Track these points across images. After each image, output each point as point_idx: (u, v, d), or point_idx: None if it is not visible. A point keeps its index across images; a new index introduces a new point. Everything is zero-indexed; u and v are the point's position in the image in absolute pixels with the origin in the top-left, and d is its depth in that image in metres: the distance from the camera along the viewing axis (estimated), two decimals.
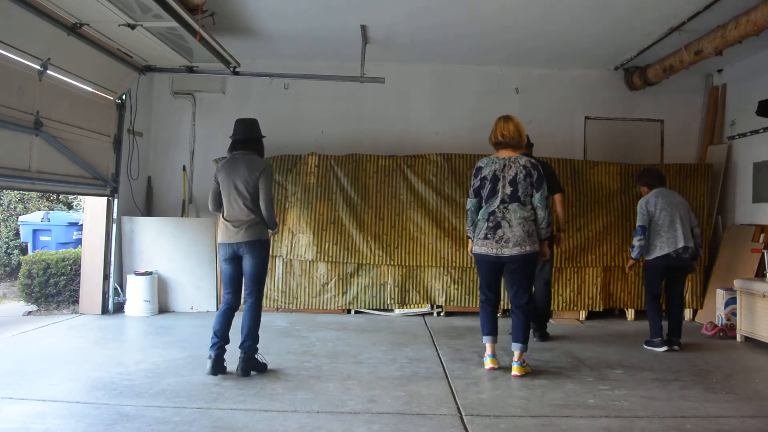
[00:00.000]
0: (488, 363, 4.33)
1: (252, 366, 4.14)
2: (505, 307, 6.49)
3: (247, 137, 4.32)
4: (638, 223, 5.11)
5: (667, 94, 7.26)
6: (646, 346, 5.13)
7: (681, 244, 4.97)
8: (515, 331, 4.26)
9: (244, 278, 4.24)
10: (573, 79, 7.35)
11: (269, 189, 4.26)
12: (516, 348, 4.23)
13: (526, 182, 4.18)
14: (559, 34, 6.06)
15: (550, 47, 6.53)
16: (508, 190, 4.18)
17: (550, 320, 6.45)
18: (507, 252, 4.16)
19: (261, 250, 4.20)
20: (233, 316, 4.23)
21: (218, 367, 4.07)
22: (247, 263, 4.19)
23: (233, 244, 4.16)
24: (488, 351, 4.36)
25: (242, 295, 4.27)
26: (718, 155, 6.94)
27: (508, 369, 4.31)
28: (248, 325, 4.16)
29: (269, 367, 4.29)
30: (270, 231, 4.35)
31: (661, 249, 5.02)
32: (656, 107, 7.33)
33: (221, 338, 4.12)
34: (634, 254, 5.11)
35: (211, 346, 4.09)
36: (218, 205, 4.32)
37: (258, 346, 4.20)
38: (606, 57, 6.86)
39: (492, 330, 4.34)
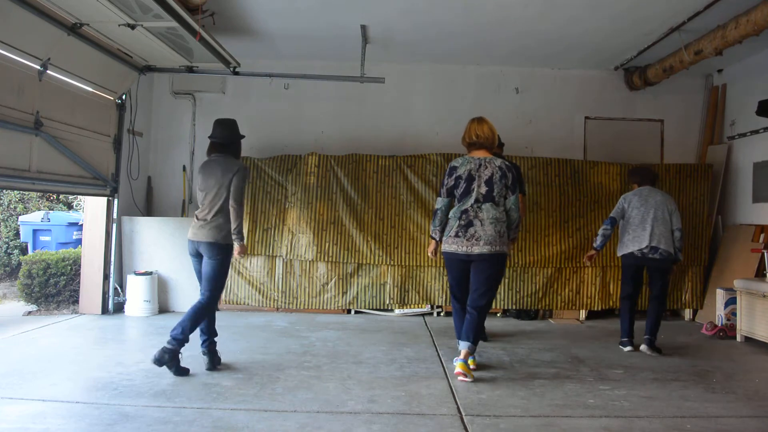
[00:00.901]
0: (458, 366, 4.13)
1: (170, 358, 3.97)
2: (506, 308, 6.53)
3: (224, 141, 4.36)
4: (610, 214, 5.19)
5: (667, 94, 7.26)
6: (621, 347, 5.11)
7: (645, 243, 4.92)
8: (467, 329, 4.15)
9: (202, 278, 4.26)
10: (573, 79, 7.35)
11: (241, 191, 4.25)
12: (464, 346, 4.13)
13: (501, 183, 4.20)
14: (559, 33, 6.06)
15: (550, 47, 6.53)
16: (483, 189, 4.18)
17: (550, 320, 6.48)
18: (477, 250, 4.15)
19: (218, 252, 4.17)
20: (200, 312, 4.19)
21: (215, 361, 4.21)
22: (203, 263, 4.24)
23: (194, 242, 4.24)
24: (461, 356, 4.22)
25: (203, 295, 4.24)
26: (718, 155, 6.94)
27: (504, 369, 4.31)
28: (186, 317, 4.06)
29: (270, 367, 4.28)
30: (235, 238, 4.22)
31: (626, 246, 5.04)
32: (656, 107, 7.34)
33: (207, 333, 4.25)
34: (595, 244, 5.16)
35: (201, 344, 4.23)
36: None
37: (185, 345, 4.05)
38: (606, 57, 6.86)
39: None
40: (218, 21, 5.61)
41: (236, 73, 6.50)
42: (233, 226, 4.23)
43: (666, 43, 6.02)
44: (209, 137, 4.43)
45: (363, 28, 5.96)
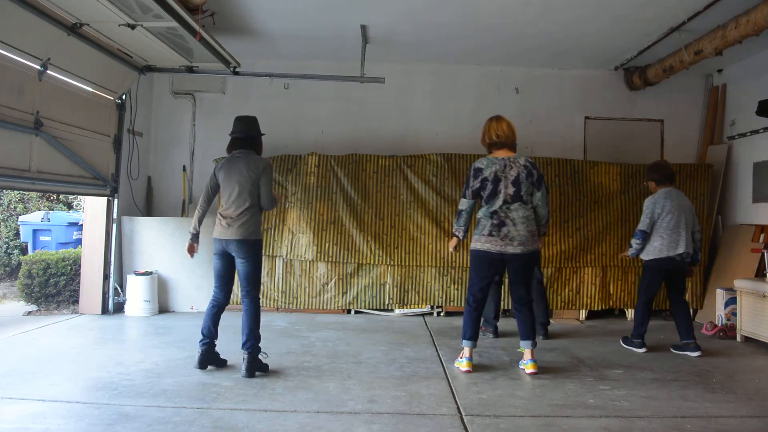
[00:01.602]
0: (467, 365, 4.28)
1: (257, 367, 4.14)
2: (506, 308, 6.53)
3: (246, 135, 4.32)
4: (640, 226, 5.02)
5: (667, 94, 7.26)
6: (623, 344, 5.13)
7: (681, 250, 4.89)
8: (524, 329, 4.27)
9: (239, 278, 4.27)
10: (573, 79, 7.35)
11: (270, 187, 4.28)
12: (528, 345, 4.25)
13: (528, 182, 4.20)
14: (559, 34, 6.06)
15: (550, 47, 6.53)
16: (511, 190, 4.17)
17: (550, 320, 6.47)
18: (511, 250, 4.17)
19: (250, 248, 4.19)
20: (221, 313, 4.30)
21: (206, 360, 4.21)
22: (238, 262, 4.23)
23: (223, 240, 4.20)
24: (467, 354, 4.31)
25: (240, 295, 4.31)
26: (718, 155, 6.94)
27: (504, 369, 4.31)
28: (249, 326, 4.16)
29: (270, 367, 4.29)
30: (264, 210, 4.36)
31: (660, 251, 4.94)
32: (656, 107, 7.33)
33: (209, 336, 4.24)
34: (630, 252, 5.12)
35: (199, 342, 4.23)
36: (208, 204, 4.38)
37: (260, 345, 4.20)
38: (606, 57, 6.86)
39: (475, 335, 4.36)
40: (218, 21, 5.61)
41: (236, 73, 6.51)
42: (268, 208, 4.31)
43: (666, 43, 6.02)
44: (230, 134, 4.37)
45: (363, 28, 5.96)
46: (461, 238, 4.38)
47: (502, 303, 6.48)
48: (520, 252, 4.18)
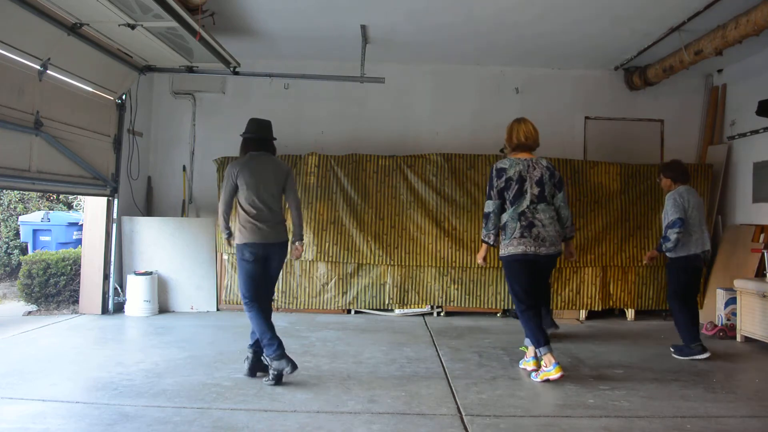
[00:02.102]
0: (557, 372, 4.01)
1: (286, 365, 3.95)
2: (506, 308, 6.53)
3: (265, 137, 4.27)
4: (675, 215, 4.71)
5: (667, 94, 7.26)
6: (679, 356, 4.77)
7: (708, 247, 4.83)
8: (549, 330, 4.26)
9: (269, 281, 4.17)
10: (573, 79, 7.35)
11: (297, 192, 4.30)
12: (548, 350, 4.08)
13: (551, 183, 4.20)
14: (559, 34, 6.06)
15: (550, 47, 6.53)
16: (536, 190, 4.14)
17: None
18: (544, 251, 4.11)
19: (287, 250, 4.22)
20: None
21: (255, 368, 4.13)
22: (275, 264, 4.14)
23: (263, 245, 4.02)
24: (552, 360, 4.05)
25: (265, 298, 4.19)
26: (718, 155, 6.94)
27: (504, 369, 4.30)
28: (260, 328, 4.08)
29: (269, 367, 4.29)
30: (297, 241, 4.28)
31: (690, 248, 4.79)
32: (656, 107, 7.33)
33: (277, 336, 3.99)
34: (667, 245, 4.75)
35: (276, 348, 3.91)
36: (231, 205, 4.17)
37: (282, 345, 4.09)
38: (606, 57, 6.86)
39: (548, 338, 4.13)
40: (218, 21, 5.61)
41: (236, 73, 6.51)
42: (298, 230, 4.27)
43: (666, 43, 6.02)
44: (244, 134, 4.24)
45: (363, 28, 5.96)
46: (492, 244, 4.22)
47: (503, 303, 6.50)
48: (553, 252, 4.14)
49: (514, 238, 4.11)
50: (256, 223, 4.02)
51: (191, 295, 6.59)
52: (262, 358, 4.07)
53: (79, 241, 7.52)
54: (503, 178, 4.16)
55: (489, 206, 4.20)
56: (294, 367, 3.89)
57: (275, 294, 6.54)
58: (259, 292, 4.08)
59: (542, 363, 4.12)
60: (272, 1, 5.35)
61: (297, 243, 4.29)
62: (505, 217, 4.18)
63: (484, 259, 4.35)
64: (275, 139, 4.38)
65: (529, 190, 4.13)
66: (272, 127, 4.37)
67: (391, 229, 6.58)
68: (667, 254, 4.88)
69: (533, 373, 4.18)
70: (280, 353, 3.89)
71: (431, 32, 6.09)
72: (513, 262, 4.16)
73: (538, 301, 4.25)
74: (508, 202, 4.17)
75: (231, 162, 4.53)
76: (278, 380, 3.91)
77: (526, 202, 4.12)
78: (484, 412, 3.46)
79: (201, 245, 6.67)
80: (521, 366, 4.38)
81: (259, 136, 4.23)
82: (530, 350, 4.30)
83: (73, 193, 8.63)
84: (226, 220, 4.19)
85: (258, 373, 4.12)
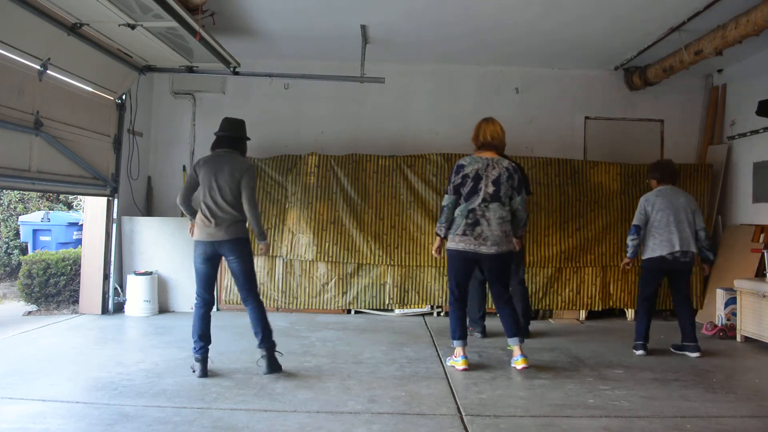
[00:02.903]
0: (462, 364, 4.30)
1: (276, 362, 4.16)
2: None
3: (234, 135, 4.30)
4: (633, 221, 5.03)
5: (667, 94, 7.26)
6: (634, 350, 4.96)
7: (677, 248, 4.81)
8: (508, 326, 4.36)
9: (235, 279, 4.21)
10: (573, 79, 7.35)
11: (253, 190, 4.19)
12: (515, 342, 4.35)
13: (508, 184, 4.27)
14: (559, 34, 6.06)
15: (550, 47, 6.53)
16: (491, 189, 4.22)
17: (550, 320, 6.48)
18: (485, 250, 4.23)
19: (243, 247, 4.15)
20: (211, 315, 4.20)
21: (207, 369, 4.09)
22: (234, 263, 4.14)
23: (211, 243, 4.09)
24: (461, 353, 4.34)
25: (241, 296, 4.25)
26: (718, 155, 6.94)
27: (504, 369, 4.31)
28: (262, 323, 4.16)
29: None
30: (258, 241, 4.31)
31: (653, 251, 4.89)
32: (656, 107, 7.33)
33: (206, 341, 4.10)
34: (628, 254, 5.03)
35: (198, 350, 4.06)
36: (188, 201, 4.24)
37: (275, 345, 4.20)
38: (606, 57, 6.86)
39: (465, 333, 4.38)
40: (218, 21, 5.61)
41: (236, 73, 6.51)
42: (255, 229, 4.25)
43: (666, 43, 6.02)
44: (216, 133, 4.35)
45: (363, 28, 5.96)
46: (443, 236, 4.38)
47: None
48: (495, 252, 4.25)
49: (457, 234, 4.27)
50: (204, 220, 4.11)
51: (191, 295, 6.46)
52: (275, 353, 4.19)
53: (79, 241, 7.52)
54: (460, 175, 4.27)
55: (445, 200, 4.34)
56: (202, 374, 4.02)
57: (276, 294, 6.58)
58: (207, 289, 4.19)
59: (454, 351, 4.37)
60: (272, 1, 5.35)
61: (260, 243, 4.32)
62: (456, 211, 4.30)
63: (438, 251, 4.46)
64: (249, 138, 4.43)
65: (483, 189, 4.22)
66: (244, 126, 4.40)
67: (391, 229, 6.58)
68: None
69: (447, 359, 4.46)
70: (198, 357, 4.05)
71: (431, 32, 6.09)
72: (453, 257, 4.36)
73: (502, 302, 4.39)
74: (462, 198, 4.27)
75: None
76: (271, 372, 4.10)
77: (478, 200, 4.22)
78: (484, 412, 3.46)
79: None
80: (512, 364, 4.40)
81: (225, 134, 4.29)
82: (516, 349, 4.36)
83: (73, 193, 8.63)
84: (191, 214, 4.26)
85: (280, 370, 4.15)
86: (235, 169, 4.15)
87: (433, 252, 4.51)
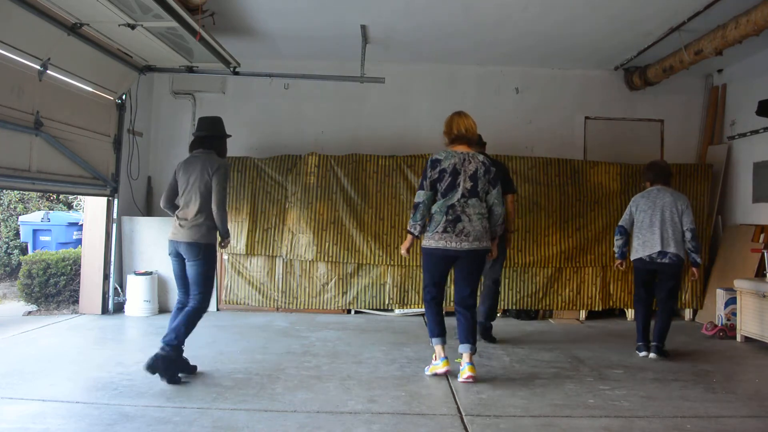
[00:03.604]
0: (444, 366, 4.11)
1: (166, 366, 3.83)
2: (506, 308, 6.52)
3: (206, 134, 4.25)
4: (619, 222, 5.08)
5: (667, 94, 7.26)
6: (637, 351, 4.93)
7: (657, 249, 4.76)
8: (464, 332, 4.11)
9: (189, 280, 4.13)
10: (573, 79, 7.35)
11: (223, 190, 4.10)
12: (467, 349, 4.07)
13: (485, 178, 4.14)
14: (559, 34, 6.06)
15: (550, 47, 6.53)
16: (469, 184, 4.09)
17: (550, 320, 6.48)
18: (467, 246, 4.06)
19: (199, 252, 4.03)
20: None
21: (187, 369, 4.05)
22: (187, 265, 4.10)
23: (174, 242, 4.10)
24: (441, 353, 4.14)
25: (179, 295, 4.20)
26: (718, 155, 6.94)
27: (504, 369, 4.30)
28: (179, 322, 3.98)
29: (270, 367, 4.29)
30: (221, 238, 4.22)
31: (636, 252, 4.90)
32: (656, 107, 7.33)
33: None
34: (616, 255, 5.11)
35: (164, 338, 3.92)
36: (170, 202, 4.26)
37: (183, 348, 3.98)
38: (606, 57, 6.86)
39: (443, 331, 4.17)
40: (218, 21, 5.61)
41: (236, 73, 6.50)
42: (220, 228, 4.14)
43: (666, 43, 6.02)
44: (192, 133, 4.37)
45: (363, 28, 5.96)
46: (417, 235, 4.17)
47: (503, 303, 6.48)
48: (476, 248, 4.09)
49: (437, 232, 4.09)
50: (175, 220, 4.17)
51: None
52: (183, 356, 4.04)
53: (79, 241, 7.52)
54: (437, 170, 4.11)
55: (420, 196, 4.12)
56: (169, 381, 3.82)
57: (276, 294, 6.57)
58: (180, 287, 4.18)
59: (433, 356, 4.19)
60: (272, 1, 5.35)
61: (222, 241, 4.25)
62: (434, 208, 4.13)
63: (408, 250, 4.27)
64: (229, 135, 4.36)
65: (462, 184, 4.08)
66: (221, 123, 4.33)
67: (391, 229, 6.58)
68: None
69: (426, 368, 4.24)
70: (156, 355, 3.82)
71: (431, 32, 6.10)
72: (431, 255, 4.16)
73: (466, 305, 4.17)
74: (439, 194, 4.12)
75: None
76: (150, 370, 3.78)
77: (457, 196, 4.08)
78: (484, 412, 3.46)
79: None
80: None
81: (200, 134, 4.27)
82: (465, 356, 4.09)
83: (73, 193, 8.63)
84: (172, 212, 4.27)
85: (180, 375, 3.97)
86: (205, 171, 4.09)
87: (402, 251, 4.29)
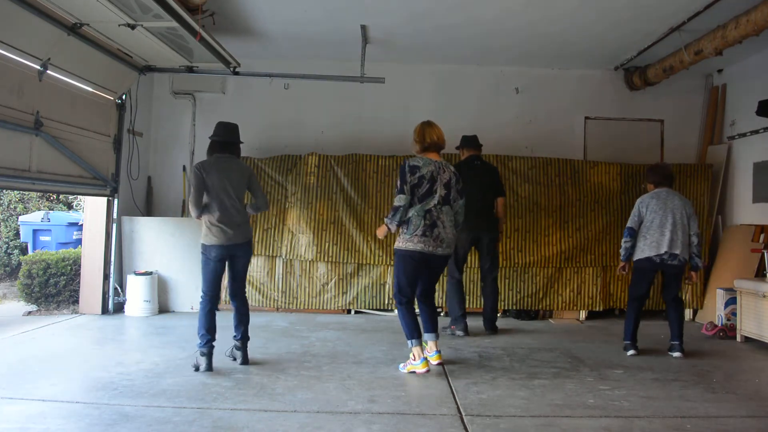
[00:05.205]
0: (423, 367, 4.20)
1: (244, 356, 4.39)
2: (506, 308, 6.51)
3: (233, 140, 4.42)
4: (627, 224, 5.01)
5: (667, 94, 7.26)
6: (624, 351, 4.95)
7: (664, 249, 4.78)
8: (429, 322, 4.40)
9: (236, 278, 4.40)
10: (573, 79, 7.35)
11: (263, 192, 4.58)
12: (432, 338, 4.38)
13: (456, 188, 4.33)
14: (560, 34, 6.06)
15: (550, 47, 6.53)
16: (443, 192, 4.25)
17: (550, 320, 6.49)
18: (441, 251, 4.26)
19: (251, 248, 4.52)
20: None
21: (212, 363, 4.21)
22: (240, 263, 4.38)
23: (230, 246, 4.25)
24: (421, 354, 4.24)
25: (229, 292, 4.46)
26: (718, 155, 6.94)
27: (504, 369, 4.30)
28: (247, 319, 4.42)
29: (270, 367, 4.30)
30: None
31: (643, 251, 4.88)
32: (656, 107, 7.33)
33: (213, 335, 4.23)
34: (621, 257, 5.02)
35: (204, 344, 4.17)
36: (201, 204, 4.24)
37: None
38: (606, 57, 6.86)
39: (419, 331, 4.32)
40: (218, 21, 5.61)
41: (236, 73, 6.50)
42: (263, 208, 4.60)
43: (666, 43, 6.02)
44: (212, 137, 4.40)
45: (363, 28, 5.96)
46: (392, 230, 4.31)
47: (503, 304, 6.49)
48: (447, 254, 4.33)
49: (416, 235, 4.20)
50: (221, 225, 4.22)
51: (191, 295, 6.57)
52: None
53: (79, 241, 7.52)
54: (416, 176, 4.21)
55: (400, 200, 4.20)
56: (208, 368, 4.15)
57: (276, 294, 6.58)
58: (217, 287, 4.32)
59: (410, 355, 4.27)
60: (272, 1, 5.35)
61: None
62: (411, 212, 4.22)
63: (384, 236, 4.51)
64: (242, 142, 4.52)
65: (438, 191, 4.23)
66: (238, 131, 4.50)
67: None
68: None
69: (400, 365, 4.36)
70: (204, 351, 4.18)
71: (431, 32, 6.10)
72: (407, 257, 4.26)
73: (428, 299, 4.49)
74: (416, 199, 4.22)
75: (198, 163, 4.47)
76: (196, 369, 4.16)
77: (433, 202, 4.22)
78: (484, 412, 3.46)
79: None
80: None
81: (224, 140, 4.38)
82: (431, 344, 4.38)
83: (73, 193, 8.63)
84: (201, 214, 4.29)
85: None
86: (241, 174, 4.36)
87: (379, 235, 4.43)
